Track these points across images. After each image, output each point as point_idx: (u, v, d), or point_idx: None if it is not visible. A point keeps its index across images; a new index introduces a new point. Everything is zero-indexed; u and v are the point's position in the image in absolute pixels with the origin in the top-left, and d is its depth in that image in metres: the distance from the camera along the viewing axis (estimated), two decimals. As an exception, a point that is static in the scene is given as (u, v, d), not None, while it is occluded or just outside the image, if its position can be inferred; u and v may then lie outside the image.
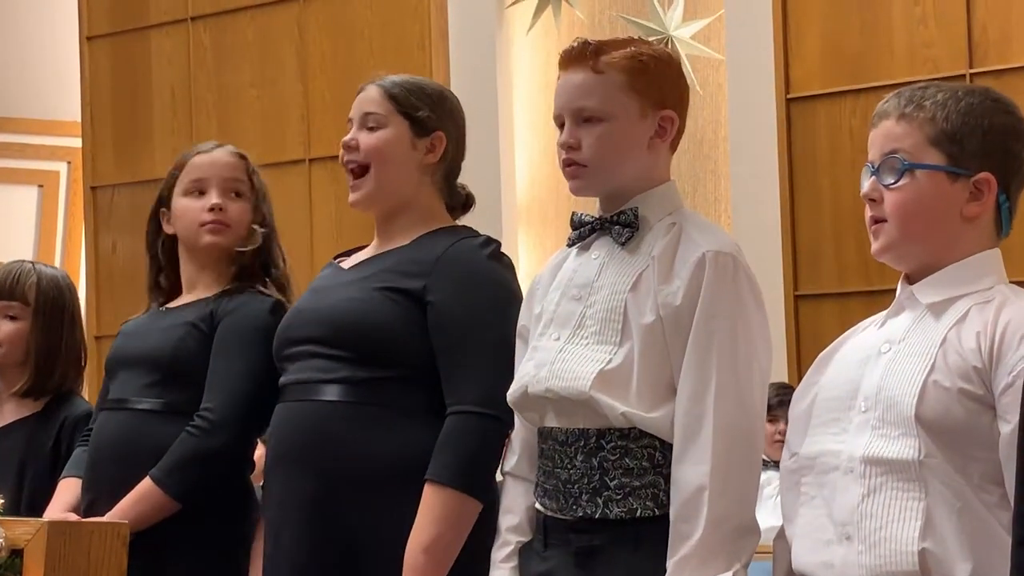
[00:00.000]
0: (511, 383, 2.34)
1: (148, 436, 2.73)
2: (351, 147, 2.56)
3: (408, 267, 2.47)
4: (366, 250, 2.63)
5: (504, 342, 2.38)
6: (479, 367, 2.38)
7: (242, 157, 2.88)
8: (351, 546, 2.40)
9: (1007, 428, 1.90)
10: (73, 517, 2.75)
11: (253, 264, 2.84)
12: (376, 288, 2.46)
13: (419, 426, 2.40)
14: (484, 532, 2.36)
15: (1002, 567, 1.89)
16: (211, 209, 2.81)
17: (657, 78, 2.25)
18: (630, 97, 2.23)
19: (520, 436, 2.35)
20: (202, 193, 2.83)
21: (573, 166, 2.26)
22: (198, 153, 2.88)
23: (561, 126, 2.29)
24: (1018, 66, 4.67)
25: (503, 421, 2.37)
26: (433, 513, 2.33)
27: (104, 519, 2.66)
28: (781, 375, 4.76)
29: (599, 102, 2.23)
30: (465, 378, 2.38)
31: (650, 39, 5.06)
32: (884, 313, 2.11)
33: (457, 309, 2.41)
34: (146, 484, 2.67)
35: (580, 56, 2.25)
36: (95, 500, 2.76)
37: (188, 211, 2.84)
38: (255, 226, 2.83)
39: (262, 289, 2.82)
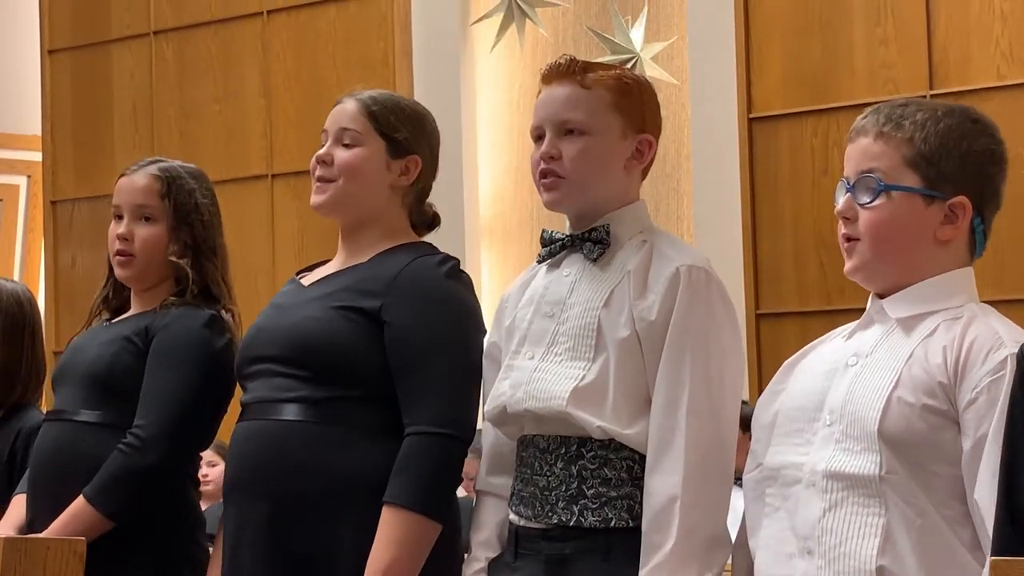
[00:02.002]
0: (470, 402, 2.35)
1: (85, 449, 2.71)
2: (326, 162, 2.54)
3: (366, 286, 2.46)
4: (328, 265, 2.61)
5: (462, 361, 2.38)
6: (437, 387, 2.37)
7: (159, 178, 2.83)
8: (308, 567, 2.39)
9: (969, 443, 1.91)
10: (9, 534, 2.73)
11: (195, 283, 2.82)
12: (334, 307, 2.44)
13: (377, 446, 2.38)
14: (443, 551, 2.35)
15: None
16: (118, 237, 2.82)
17: (640, 102, 2.29)
18: (614, 116, 2.26)
19: (491, 451, 2.35)
20: (119, 218, 2.85)
21: (551, 178, 2.27)
22: (123, 175, 2.88)
23: (537, 140, 2.30)
24: (978, 87, 4.71)
25: (461, 441, 2.37)
26: (392, 536, 2.31)
27: (58, 536, 2.64)
28: (743, 393, 4.77)
29: (585, 115, 2.25)
30: (423, 398, 2.37)
31: (618, 58, 5.14)
32: (852, 325, 2.12)
33: (414, 328, 2.40)
34: (79, 502, 2.65)
35: (568, 71, 2.28)
36: (37, 513, 2.75)
37: (109, 236, 2.86)
38: (172, 258, 2.81)
39: (199, 303, 2.80)
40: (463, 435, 2.36)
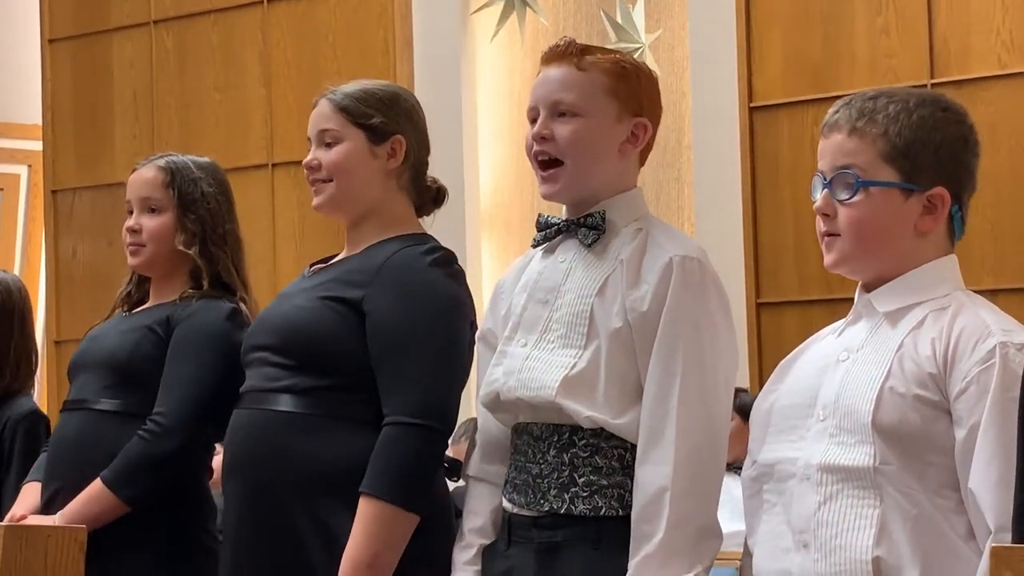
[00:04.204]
0: (449, 392, 2.36)
1: (105, 437, 2.74)
2: (313, 167, 2.56)
3: (352, 276, 2.47)
4: (337, 258, 2.63)
5: (443, 351, 2.39)
6: (415, 377, 2.37)
7: (164, 169, 2.89)
8: (297, 555, 2.40)
9: (962, 433, 1.92)
10: (19, 515, 2.76)
11: (204, 271, 2.84)
12: (321, 297, 2.46)
13: (363, 435, 2.39)
14: (430, 541, 2.35)
15: (955, 573, 1.90)
16: (128, 230, 2.89)
17: (637, 87, 2.28)
18: (609, 99, 2.25)
19: (486, 438, 2.35)
20: (132, 213, 2.91)
21: (550, 168, 2.26)
22: (133, 170, 2.96)
23: (533, 121, 2.29)
24: (978, 76, 4.71)
25: (439, 431, 2.37)
26: (369, 527, 2.32)
27: (60, 523, 2.66)
28: (743, 382, 4.77)
29: (577, 97, 2.25)
30: (401, 388, 2.37)
31: (627, 46, 5.12)
32: (843, 321, 2.12)
33: (393, 318, 2.40)
34: (97, 486, 2.68)
35: (565, 53, 2.27)
36: (53, 499, 2.78)
37: (123, 231, 2.92)
38: (180, 247, 2.84)
39: (219, 294, 2.83)
40: (440, 425, 2.37)
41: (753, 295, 5.00)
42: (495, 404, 2.28)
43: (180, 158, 2.94)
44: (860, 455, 1.95)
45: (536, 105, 2.28)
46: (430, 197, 2.63)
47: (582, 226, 2.26)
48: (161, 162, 2.91)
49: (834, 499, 1.96)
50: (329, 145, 2.55)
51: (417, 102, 2.63)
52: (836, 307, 4.63)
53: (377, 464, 2.34)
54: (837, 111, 2.07)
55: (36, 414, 3.29)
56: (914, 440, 1.94)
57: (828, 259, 2.08)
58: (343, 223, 2.62)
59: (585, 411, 2.16)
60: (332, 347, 2.42)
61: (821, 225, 2.07)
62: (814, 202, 2.08)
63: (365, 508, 2.33)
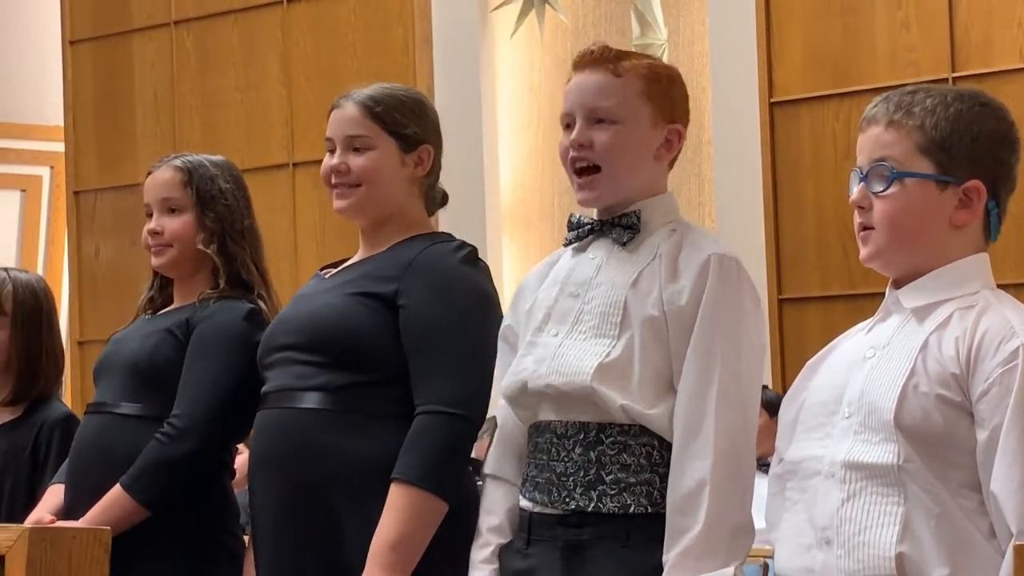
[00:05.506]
0: (481, 383, 2.36)
1: (125, 440, 2.74)
2: (342, 171, 2.55)
3: (381, 272, 2.48)
4: (350, 260, 2.64)
5: (474, 344, 2.40)
6: (448, 368, 2.39)
7: (180, 169, 2.89)
8: (330, 551, 2.41)
9: (983, 435, 1.91)
10: (47, 519, 2.76)
11: (223, 270, 2.85)
12: (350, 294, 2.47)
13: (395, 431, 2.40)
14: (457, 534, 2.36)
15: (978, 572, 1.89)
16: (149, 233, 2.89)
17: (671, 92, 2.29)
18: (645, 105, 2.25)
19: (504, 436, 2.35)
20: (151, 216, 2.90)
21: (587, 175, 2.26)
22: (148, 173, 2.95)
23: (567, 127, 2.29)
24: (1000, 70, 4.69)
25: (471, 421, 2.38)
26: (400, 512, 2.33)
27: (85, 525, 2.66)
28: (765, 378, 4.76)
29: (616, 104, 2.25)
30: (434, 379, 2.39)
31: (649, 42, 5.12)
32: (873, 318, 2.11)
33: (428, 312, 2.42)
34: (116, 490, 2.69)
35: (600, 59, 2.27)
36: (75, 503, 2.79)
37: (143, 235, 2.92)
38: (200, 246, 2.84)
39: (238, 294, 2.83)
40: (472, 415, 2.38)
41: (775, 291, 4.99)
42: (519, 394, 2.27)
43: (195, 157, 2.94)
44: (884, 453, 1.94)
45: (571, 111, 2.28)
46: (436, 201, 2.65)
47: (616, 226, 2.27)
48: (177, 162, 2.91)
49: (858, 496, 1.95)
50: (358, 151, 2.55)
51: (435, 108, 2.64)
52: (858, 302, 4.62)
53: (409, 451, 2.35)
54: (875, 106, 2.07)
55: (71, 418, 3.30)
56: (936, 440, 1.93)
57: (863, 253, 2.08)
58: (359, 224, 2.62)
59: (619, 399, 2.16)
60: (365, 343, 2.43)
61: (857, 219, 2.07)
62: (851, 196, 2.07)
63: (396, 493, 2.34)
